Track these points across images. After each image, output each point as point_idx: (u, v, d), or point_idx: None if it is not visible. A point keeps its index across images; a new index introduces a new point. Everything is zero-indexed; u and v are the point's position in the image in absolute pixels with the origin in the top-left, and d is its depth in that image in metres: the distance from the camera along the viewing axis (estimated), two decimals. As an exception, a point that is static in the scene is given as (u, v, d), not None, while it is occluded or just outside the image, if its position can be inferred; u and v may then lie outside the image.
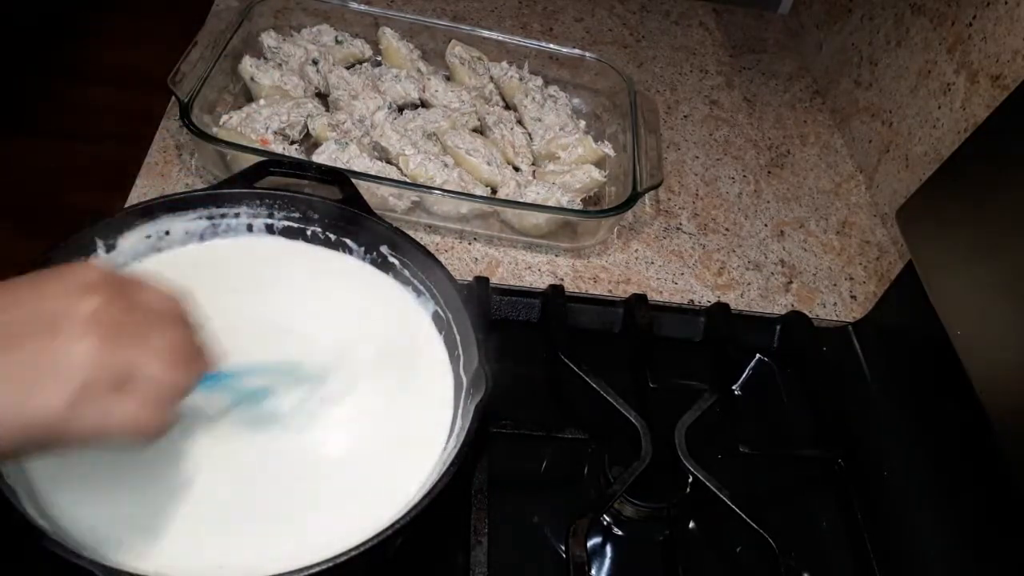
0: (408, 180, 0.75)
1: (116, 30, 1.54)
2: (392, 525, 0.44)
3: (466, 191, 0.76)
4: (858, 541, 0.61)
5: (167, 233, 0.59)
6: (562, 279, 0.75)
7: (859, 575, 0.60)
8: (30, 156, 1.33)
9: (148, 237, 0.58)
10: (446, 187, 0.74)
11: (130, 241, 0.57)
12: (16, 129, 1.35)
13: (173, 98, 0.84)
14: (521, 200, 0.76)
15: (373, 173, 0.73)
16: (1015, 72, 0.70)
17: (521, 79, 0.90)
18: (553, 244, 0.78)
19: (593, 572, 0.57)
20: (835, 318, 0.78)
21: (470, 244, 0.77)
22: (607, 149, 0.84)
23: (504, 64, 0.92)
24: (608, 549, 0.59)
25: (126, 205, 0.68)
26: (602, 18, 1.11)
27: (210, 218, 0.61)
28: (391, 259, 0.61)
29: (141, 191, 0.74)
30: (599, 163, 0.84)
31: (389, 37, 0.90)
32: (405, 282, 0.61)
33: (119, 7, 1.58)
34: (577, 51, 0.93)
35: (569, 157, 0.83)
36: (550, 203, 0.75)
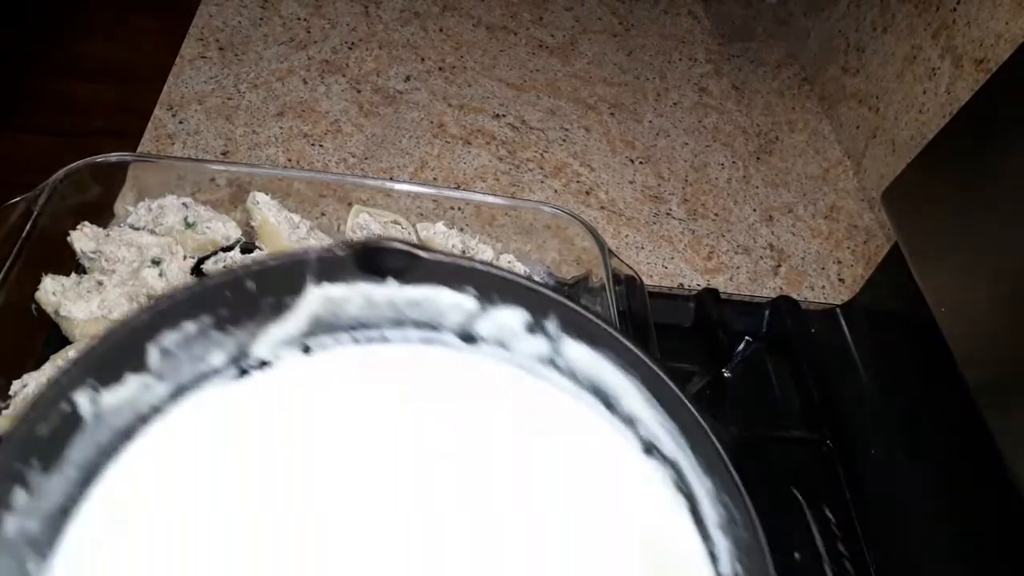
0: None
1: (102, 24, 1.53)
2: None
3: None
4: (847, 521, 0.62)
5: None
6: (549, 265, 0.75)
7: (848, 556, 0.60)
8: (16, 152, 1.32)
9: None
10: None
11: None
12: (2, 125, 1.34)
13: (165, 89, 0.84)
14: None
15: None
16: (998, 55, 0.70)
17: (463, 251, 0.65)
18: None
19: (586, 553, 0.58)
20: (823, 301, 0.79)
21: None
22: None
23: (437, 228, 0.65)
24: (600, 530, 0.59)
25: (115, 201, 0.67)
26: (591, 7, 1.12)
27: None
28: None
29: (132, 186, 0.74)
30: None
31: (264, 209, 0.63)
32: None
33: (104, 1, 1.57)
34: (530, 203, 0.68)
35: None
36: None
